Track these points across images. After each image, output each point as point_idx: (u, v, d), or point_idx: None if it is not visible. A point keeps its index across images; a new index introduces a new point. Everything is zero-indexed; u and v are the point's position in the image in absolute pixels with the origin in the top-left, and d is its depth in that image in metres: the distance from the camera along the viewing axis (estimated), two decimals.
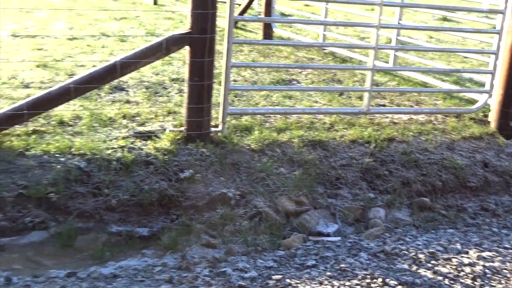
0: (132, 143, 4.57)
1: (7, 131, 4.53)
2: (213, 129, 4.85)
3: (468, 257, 3.82)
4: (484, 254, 3.89)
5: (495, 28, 6.38)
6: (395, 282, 3.42)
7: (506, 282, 3.56)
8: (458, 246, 3.99)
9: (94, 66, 5.32)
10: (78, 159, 4.26)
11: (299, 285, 3.35)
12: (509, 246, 4.07)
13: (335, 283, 3.40)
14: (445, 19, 12.48)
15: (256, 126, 5.20)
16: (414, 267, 3.64)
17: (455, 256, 3.82)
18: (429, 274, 3.57)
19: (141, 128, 4.89)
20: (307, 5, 12.93)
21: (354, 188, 4.67)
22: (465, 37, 9.19)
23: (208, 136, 4.78)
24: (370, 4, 5.91)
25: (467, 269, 3.65)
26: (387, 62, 7.88)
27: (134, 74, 5.97)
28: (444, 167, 5.02)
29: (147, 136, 4.72)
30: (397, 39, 7.82)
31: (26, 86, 5.85)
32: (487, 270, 3.67)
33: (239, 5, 9.53)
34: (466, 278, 3.57)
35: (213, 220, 4.08)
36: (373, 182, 4.77)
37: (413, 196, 4.77)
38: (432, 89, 6.82)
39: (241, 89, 6.22)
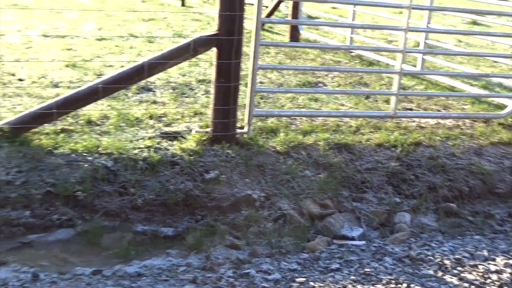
0: (158, 143, 4.60)
1: (36, 130, 4.60)
2: (238, 130, 4.86)
3: (495, 264, 3.76)
4: None
5: None
6: None
7: None
8: (485, 253, 3.93)
9: (122, 66, 5.38)
10: (105, 158, 4.30)
11: None
12: None
13: (359, 287, 3.38)
14: (474, 23, 12.33)
15: (282, 128, 5.20)
16: (440, 273, 3.60)
17: (482, 263, 3.76)
18: (455, 280, 3.53)
19: (167, 129, 4.93)
20: (334, 8, 12.90)
21: (380, 192, 4.64)
22: (494, 41, 9.08)
23: (234, 138, 4.79)
24: (398, 7, 5.86)
25: (494, 277, 3.60)
26: (414, 66, 7.81)
27: (161, 75, 6.02)
28: (472, 173, 4.96)
29: (173, 136, 4.75)
30: (425, 42, 7.75)
31: (55, 86, 5.94)
32: None
33: (266, 7, 9.55)
34: (493, 285, 3.51)
35: (238, 222, 4.09)
36: (399, 187, 4.73)
37: (439, 202, 4.71)
38: (460, 94, 6.73)
39: (267, 91, 6.23)
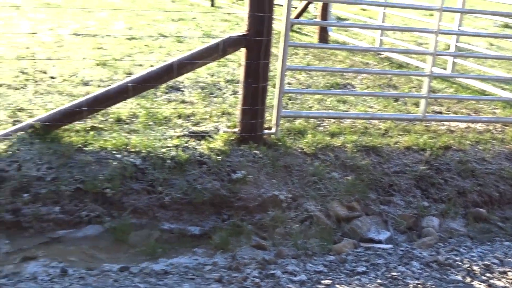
0: (186, 143, 4.63)
1: (67, 127, 4.66)
2: (266, 131, 4.86)
3: None
4: None
5: None
6: None
7: None
8: None
9: (151, 65, 5.42)
10: (133, 156, 4.34)
11: None
12: None
13: None
14: (506, 26, 12.14)
15: (309, 129, 5.18)
16: (468, 279, 3.55)
17: (511, 270, 3.70)
18: (483, 287, 3.47)
19: (195, 128, 4.95)
20: (363, 10, 12.83)
21: (408, 195, 4.60)
22: None
23: (261, 138, 4.80)
24: (429, 9, 5.79)
25: None
26: (444, 69, 7.72)
27: (190, 74, 6.05)
28: (502, 178, 4.88)
29: (201, 136, 4.77)
30: (456, 45, 7.66)
31: (86, 84, 6.02)
32: None
33: (295, 8, 9.53)
34: None
35: (264, 222, 4.09)
36: (427, 190, 4.68)
37: (468, 206, 4.65)
38: (492, 97, 6.64)
39: (296, 92, 6.21)
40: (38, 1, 11.36)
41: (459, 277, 3.56)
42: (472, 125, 5.81)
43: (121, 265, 3.48)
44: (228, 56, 4.92)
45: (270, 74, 4.76)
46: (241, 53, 4.68)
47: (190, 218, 4.12)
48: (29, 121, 4.61)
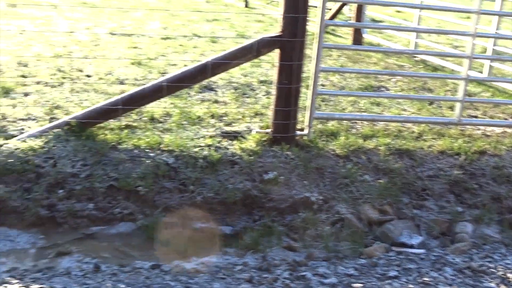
0: (218, 142, 4.65)
1: (102, 125, 4.73)
2: (298, 132, 4.85)
3: None
4: None
5: None
6: None
7: None
8: None
9: (185, 65, 5.46)
10: (166, 155, 4.38)
11: None
12: None
13: None
14: None
15: (342, 131, 5.16)
16: (502, 287, 3.48)
17: None
18: None
19: (228, 128, 4.98)
20: (398, 12, 12.70)
21: (441, 200, 4.53)
22: None
23: (294, 139, 4.79)
24: (466, 12, 5.71)
25: None
26: (481, 72, 7.60)
27: (223, 74, 6.08)
28: None
29: (234, 136, 4.79)
30: (493, 48, 7.52)
31: (121, 82, 6.09)
32: None
33: (330, 9, 9.50)
34: None
35: (295, 223, 4.08)
36: (461, 196, 4.60)
37: (503, 213, 4.56)
38: None
39: (329, 94, 6.19)
40: (75, 1, 11.55)
41: (492, 285, 3.50)
42: (508, 130, 5.70)
43: (153, 262, 3.52)
44: (261, 57, 4.93)
45: (304, 75, 4.75)
46: (275, 54, 4.68)
47: (221, 217, 4.14)
48: (65, 118, 4.69)
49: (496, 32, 7.39)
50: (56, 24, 9.20)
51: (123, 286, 3.18)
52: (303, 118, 4.95)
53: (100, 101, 5.04)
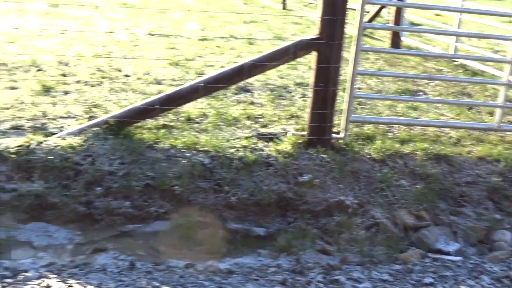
0: (254, 144, 4.66)
1: (139, 124, 4.79)
2: (334, 135, 4.82)
3: None
4: None
5: None
6: None
7: None
8: None
9: (222, 66, 5.49)
10: (202, 155, 4.41)
11: None
12: None
13: None
14: None
15: (378, 135, 5.11)
16: None
17: None
18: None
19: (263, 130, 4.98)
20: (438, 15, 12.53)
21: (479, 207, 4.44)
22: None
23: (329, 142, 4.76)
24: (508, 16, 5.59)
25: None
26: None
27: (259, 76, 6.09)
28: None
29: (269, 138, 4.79)
30: None
31: (159, 83, 6.16)
32: None
33: (367, 12, 9.43)
34: None
35: (329, 227, 4.06)
36: (500, 203, 4.51)
37: None
38: None
39: (366, 97, 6.13)
40: (115, 1, 11.73)
41: None
42: None
43: (187, 262, 3.55)
44: (298, 59, 4.92)
45: (340, 78, 4.72)
46: (312, 57, 4.66)
47: (255, 219, 4.14)
48: (104, 117, 4.76)
49: None
50: (96, 24, 9.37)
51: (158, 284, 3.21)
52: (339, 121, 4.92)
53: (138, 101, 5.10)
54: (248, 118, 5.25)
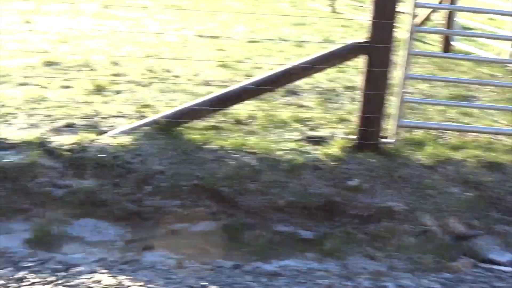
0: (302, 147, 4.64)
1: (188, 125, 4.83)
2: (383, 140, 4.76)
3: None
4: None
5: None
6: None
7: None
8: None
9: (270, 69, 5.49)
10: (250, 157, 4.42)
11: None
12: None
13: None
14: None
15: (429, 141, 5.01)
16: None
17: None
18: None
19: (311, 133, 4.96)
20: (491, 19, 12.24)
21: None
22: None
23: (378, 147, 4.70)
24: None
25: None
26: None
27: (308, 79, 6.06)
28: None
29: (317, 141, 4.77)
30: None
31: (207, 84, 6.21)
32: None
33: (416, 15, 9.28)
34: None
35: (377, 232, 4.00)
36: None
37: None
38: None
39: (416, 102, 6.03)
40: (165, 3, 11.89)
41: None
42: None
43: (234, 262, 3.56)
44: (347, 62, 4.89)
45: (390, 82, 4.66)
46: (361, 60, 4.62)
47: (302, 222, 4.12)
48: (154, 117, 4.83)
49: None
50: (146, 25, 9.52)
51: (205, 283, 3.24)
52: (389, 125, 4.86)
53: (187, 102, 5.15)
54: (296, 120, 5.23)
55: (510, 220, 4.24)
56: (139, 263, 3.46)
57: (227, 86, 5.31)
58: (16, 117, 5.02)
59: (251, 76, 6.34)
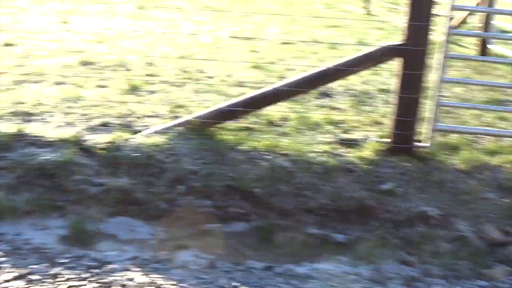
0: (335, 149, 4.62)
1: (221, 125, 4.85)
2: (418, 144, 4.70)
3: None
4: None
5: None
6: None
7: None
8: None
9: (304, 71, 5.47)
10: (283, 159, 4.41)
11: None
12: None
13: None
14: None
15: (464, 145, 4.94)
16: None
17: None
18: None
19: (344, 135, 4.94)
20: None
21: None
22: None
23: (413, 151, 4.65)
24: None
25: None
26: None
27: (341, 81, 6.03)
28: None
29: (351, 143, 4.74)
30: None
31: (240, 85, 6.23)
32: None
33: (452, 18, 9.15)
34: None
35: (411, 237, 3.95)
36: None
37: None
38: None
39: (452, 105, 5.94)
40: (199, 4, 11.97)
41: None
42: None
43: (266, 263, 3.55)
44: (381, 65, 4.85)
45: (425, 85, 4.60)
46: (395, 62, 4.57)
47: (335, 225, 4.10)
48: (187, 117, 4.86)
49: None
50: (180, 26, 9.59)
51: (237, 284, 3.24)
52: (423, 129, 4.80)
53: (220, 102, 5.17)
54: (329, 123, 5.21)
55: None
56: (171, 262, 3.48)
57: (260, 88, 5.31)
58: (52, 116, 5.11)
59: (284, 77, 6.33)
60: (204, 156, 4.35)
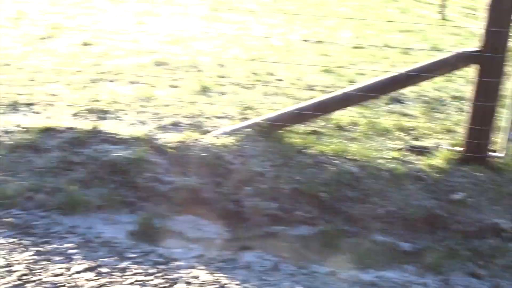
0: (404, 156, 4.54)
1: (290, 128, 4.86)
2: (492, 153, 4.55)
3: None
4: None
5: None
6: None
7: None
8: None
9: (375, 75, 5.41)
10: (350, 164, 4.38)
11: None
12: None
13: None
14: None
15: None
16: None
17: None
18: None
19: (415, 143, 4.84)
20: None
21: None
22: None
23: (486, 161, 4.50)
24: None
25: None
26: None
27: (413, 87, 5.92)
28: None
29: (421, 151, 4.64)
30: None
31: (310, 88, 6.22)
32: None
33: None
34: None
35: (482, 250, 3.83)
36: None
37: None
38: None
39: None
40: (271, 7, 12.04)
41: None
42: None
43: (330, 268, 3.53)
44: (455, 72, 4.72)
45: (502, 93, 4.44)
46: (470, 69, 4.44)
47: (402, 233, 4.02)
48: (256, 119, 4.90)
49: None
50: (252, 29, 9.67)
51: (300, 287, 3.23)
52: (498, 139, 4.64)
53: (289, 105, 5.18)
54: (400, 129, 5.12)
55: None
56: (236, 262, 3.52)
57: (330, 91, 5.28)
58: (126, 114, 5.28)
59: (354, 82, 6.28)
60: (272, 159, 4.37)
